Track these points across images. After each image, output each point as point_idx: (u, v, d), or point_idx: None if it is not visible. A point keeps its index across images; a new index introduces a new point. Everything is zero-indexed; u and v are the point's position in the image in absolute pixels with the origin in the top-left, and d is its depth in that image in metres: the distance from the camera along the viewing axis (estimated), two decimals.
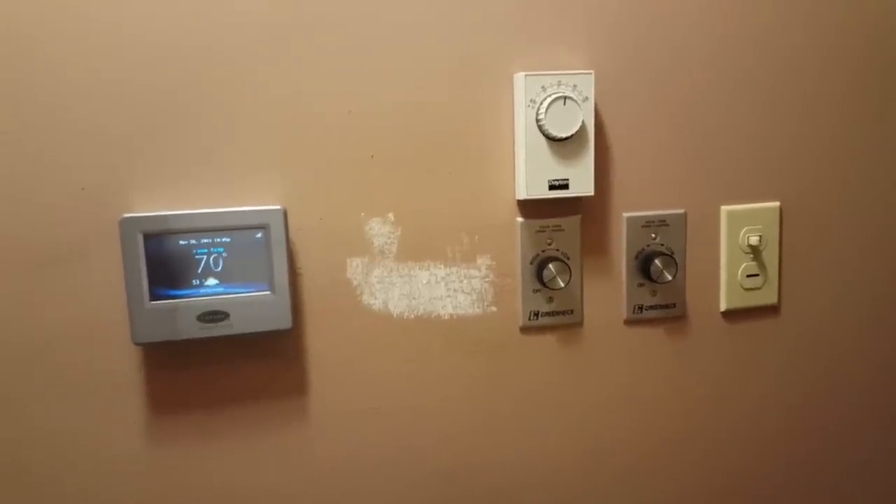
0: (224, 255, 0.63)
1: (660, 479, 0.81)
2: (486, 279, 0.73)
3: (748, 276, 0.79)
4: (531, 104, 0.69)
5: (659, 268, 0.74)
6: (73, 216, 0.63)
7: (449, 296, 0.72)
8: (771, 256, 0.80)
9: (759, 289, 0.80)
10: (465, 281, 0.73)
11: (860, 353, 0.85)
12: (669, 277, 0.75)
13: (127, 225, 0.61)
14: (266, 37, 0.65)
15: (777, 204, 0.79)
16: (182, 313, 0.63)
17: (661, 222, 0.76)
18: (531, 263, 0.73)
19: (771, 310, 0.81)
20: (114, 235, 0.63)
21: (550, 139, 0.69)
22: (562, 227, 0.74)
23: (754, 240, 0.78)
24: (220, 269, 0.63)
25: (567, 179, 0.70)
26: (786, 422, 0.84)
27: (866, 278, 0.84)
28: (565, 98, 0.68)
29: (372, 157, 0.69)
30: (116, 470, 0.67)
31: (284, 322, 0.65)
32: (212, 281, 0.63)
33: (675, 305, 0.78)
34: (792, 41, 0.78)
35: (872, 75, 0.81)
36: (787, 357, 0.83)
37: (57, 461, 0.66)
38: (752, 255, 0.79)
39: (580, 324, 0.76)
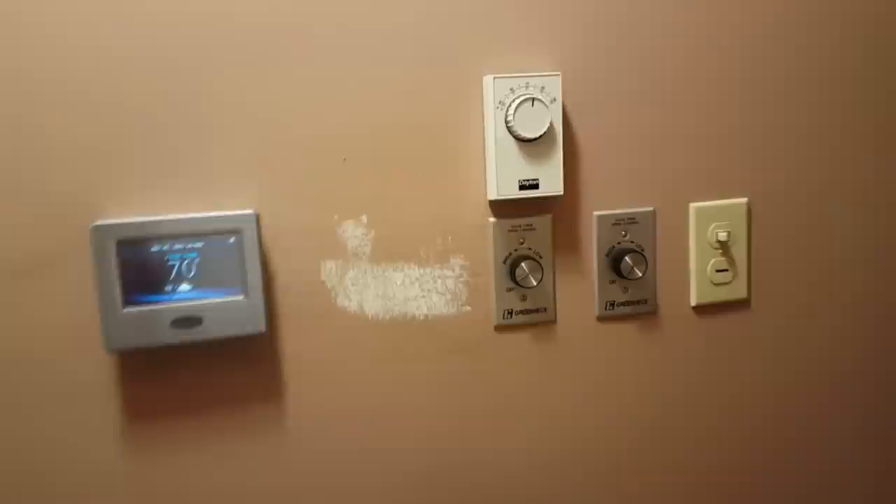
0: (197, 260, 0.64)
1: (635, 474, 0.82)
2: (460, 279, 0.74)
3: (718, 271, 0.81)
4: (500, 106, 0.70)
5: (629, 265, 0.76)
6: (45, 225, 0.63)
7: (423, 296, 0.73)
8: (740, 252, 0.81)
9: (728, 283, 0.81)
10: (438, 281, 0.73)
11: (831, 346, 0.87)
12: (640, 274, 0.76)
13: (99, 232, 0.61)
14: (238, 42, 0.66)
15: (745, 200, 0.81)
16: (155, 320, 0.63)
17: (631, 220, 0.77)
18: (504, 262, 0.74)
19: (742, 304, 0.83)
20: (85, 243, 0.63)
21: (520, 140, 0.70)
22: (533, 227, 0.75)
23: (723, 235, 0.79)
24: (192, 274, 0.64)
25: (537, 179, 0.71)
26: (759, 414, 0.85)
27: (834, 271, 0.86)
28: (533, 100, 0.69)
29: (344, 160, 0.70)
30: (92, 480, 0.67)
31: (258, 326, 0.66)
32: (185, 287, 0.64)
33: (646, 301, 0.79)
34: (760, 39, 0.79)
35: (840, 72, 0.82)
36: (758, 350, 0.84)
37: (31, 472, 0.65)
38: (721, 251, 0.81)
39: (553, 321, 0.77)
